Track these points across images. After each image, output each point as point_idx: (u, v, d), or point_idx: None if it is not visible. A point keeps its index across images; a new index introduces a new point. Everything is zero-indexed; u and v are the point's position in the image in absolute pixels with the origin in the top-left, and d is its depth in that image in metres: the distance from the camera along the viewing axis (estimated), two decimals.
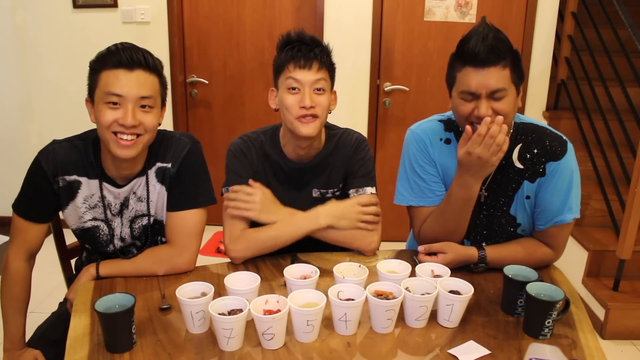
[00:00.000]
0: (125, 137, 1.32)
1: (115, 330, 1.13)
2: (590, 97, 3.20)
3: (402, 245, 1.80)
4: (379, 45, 3.39)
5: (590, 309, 2.73)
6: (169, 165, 1.48)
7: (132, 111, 1.30)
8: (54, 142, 1.45)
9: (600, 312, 2.67)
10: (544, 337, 1.21)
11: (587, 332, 1.24)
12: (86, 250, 1.62)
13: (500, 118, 1.32)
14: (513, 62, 1.36)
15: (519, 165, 1.47)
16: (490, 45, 1.32)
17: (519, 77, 1.39)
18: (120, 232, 1.51)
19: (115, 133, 1.32)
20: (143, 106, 1.33)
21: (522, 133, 1.49)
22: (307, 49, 1.51)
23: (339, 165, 1.66)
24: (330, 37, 3.38)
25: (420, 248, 1.48)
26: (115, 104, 1.31)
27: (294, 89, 1.52)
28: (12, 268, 1.48)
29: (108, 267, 1.45)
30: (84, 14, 3.42)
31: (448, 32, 3.36)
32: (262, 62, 3.55)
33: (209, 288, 1.22)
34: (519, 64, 1.38)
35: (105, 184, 1.45)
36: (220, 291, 1.29)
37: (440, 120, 1.59)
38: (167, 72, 3.45)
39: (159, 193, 1.49)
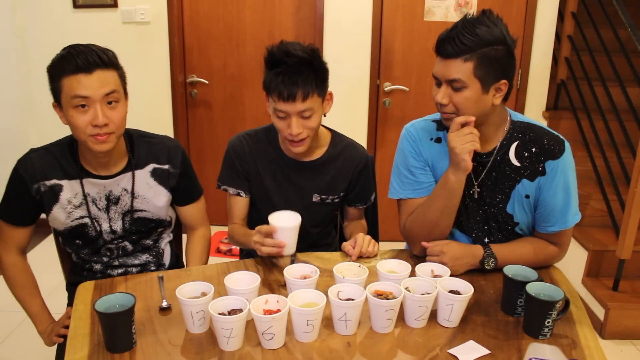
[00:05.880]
0: (99, 135, 1.40)
1: (115, 330, 1.13)
2: (590, 97, 3.20)
3: (402, 245, 1.80)
4: (379, 45, 3.39)
5: (590, 309, 2.74)
6: (167, 167, 1.59)
7: (100, 110, 1.37)
8: (31, 150, 1.52)
9: (600, 312, 2.67)
10: (544, 337, 1.21)
11: (587, 332, 1.25)
12: (74, 252, 1.64)
13: (469, 118, 1.39)
14: (481, 58, 1.34)
15: (515, 162, 1.48)
16: (452, 39, 1.35)
17: (491, 74, 1.36)
18: (110, 226, 1.56)
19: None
20: (109, 102, 1.40)
21: (519, 131, 1.49)
22: (290, 78, 1.47)
23: (344, 175, 1.70)
24: (330, 38, 3.38)
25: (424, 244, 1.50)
26: (83, 106, 1.38)
27: (281, 117, 1.53)
28: (8, 263, 1.57)
29: None
30: (84, 14, 3.42)
31: None
32: (262, 62, 3.53)
33: (209, 288, 1.22)
34: (495, 62, 1.35)
35: (87, 180, 1.51)
36: (220, 291, 1.29)
37: (434, 120, 1.61)
38: (167, 72, 3.48)
39: (155, 192, 1.57)
